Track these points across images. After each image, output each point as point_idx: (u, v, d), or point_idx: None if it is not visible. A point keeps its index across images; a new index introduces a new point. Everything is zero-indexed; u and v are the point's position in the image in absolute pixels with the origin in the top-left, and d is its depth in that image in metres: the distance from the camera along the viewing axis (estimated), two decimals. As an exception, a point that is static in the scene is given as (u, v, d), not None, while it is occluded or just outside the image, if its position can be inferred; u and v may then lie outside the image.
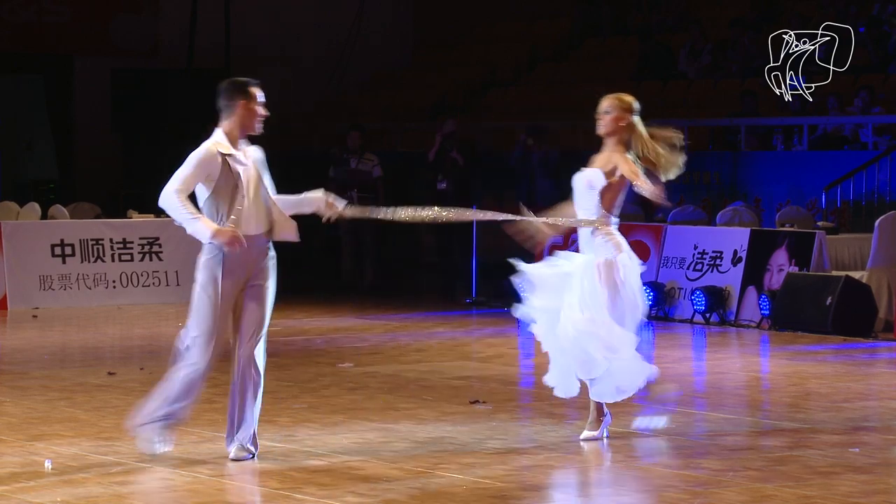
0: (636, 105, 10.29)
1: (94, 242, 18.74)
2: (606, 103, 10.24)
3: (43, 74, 26.93)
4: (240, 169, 9.13)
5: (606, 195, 10.06)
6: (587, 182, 10.07)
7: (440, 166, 20.89)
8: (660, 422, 10.41)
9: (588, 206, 10.08)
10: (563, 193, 20.55)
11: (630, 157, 10.07)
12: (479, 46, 27.70)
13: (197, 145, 9.13)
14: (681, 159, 10.15)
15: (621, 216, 18.82)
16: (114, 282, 18.75)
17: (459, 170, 20.87)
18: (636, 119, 10.22)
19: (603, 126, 10.18)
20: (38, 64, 26.61)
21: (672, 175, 10.12)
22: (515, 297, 18.29)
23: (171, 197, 9.12)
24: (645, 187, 9.93)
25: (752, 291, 16.63)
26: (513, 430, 10.47)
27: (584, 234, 10.12)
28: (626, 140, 10.16)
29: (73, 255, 18.61)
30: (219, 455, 9.44)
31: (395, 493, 8.54)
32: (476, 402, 11.42)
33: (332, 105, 26.26)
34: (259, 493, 8.53)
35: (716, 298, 16.76)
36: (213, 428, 10.37)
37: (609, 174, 10.03)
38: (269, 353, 9.14)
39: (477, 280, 19.21)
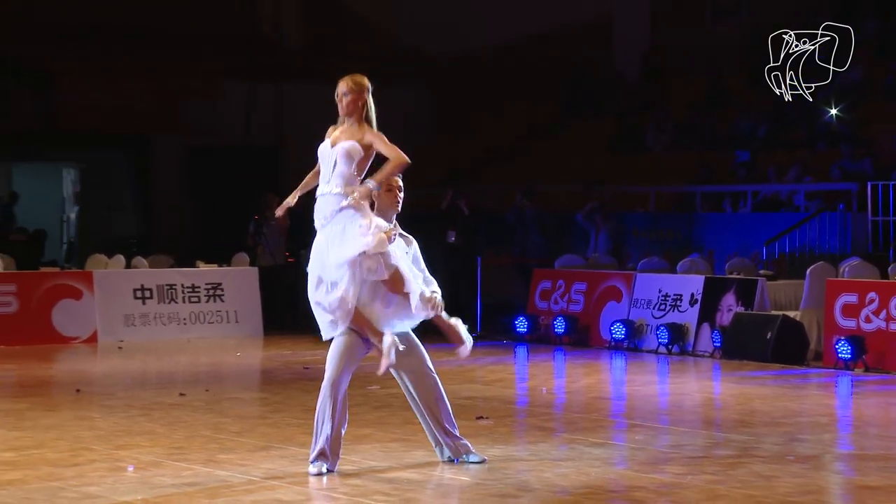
0: (369, 85, 8.93)
1: (168, 287, 18.78)
2: (344, 86, 8.87)
3: (128, 150, 27.05)
4: None
5: (361, 165, 8.81)
6: (344, 152, 8.74)
7: (449, 216, 20.94)
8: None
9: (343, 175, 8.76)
10: (553, 245, 20.67)
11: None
12: (483, 125, 27.79)
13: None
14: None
15: (598, 265, 19.01)
16: (185, 319, 18.77)
17: (465, 219, 20.92)
18: (370, 98, 8.92)
19: (343, 108, 8.87)
20: (125, 142, 26.74)
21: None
22: (513, 332, 18.37)
23: None
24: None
25: (706, 327, 16.62)
26: (511, 441, 10.47)
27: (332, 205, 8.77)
28: (364, 116, 8.89)
29: (151, 297, 18.64)
30: (272, 462, 9.44)
31: (414, 492, 8.54)
32: (481, 417, 11.41)
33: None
34: (304, 493, 8.53)
35: (677, 333, 16.76)
36: (266, 439, 10.37)
37: (365, 147, 8.78)
38: (309, 378, 9.12)
39: (481, 318, 19.22)
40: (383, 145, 8.79)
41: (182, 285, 18.85)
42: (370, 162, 8.84)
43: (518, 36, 28.29)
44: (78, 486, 8.62)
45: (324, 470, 8.87)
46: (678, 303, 17.05)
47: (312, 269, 8.82)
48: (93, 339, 18.02)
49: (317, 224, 8.83)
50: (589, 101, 26.87)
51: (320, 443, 8.87)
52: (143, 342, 18.03)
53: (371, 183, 8.73)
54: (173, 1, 27.31)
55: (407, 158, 8.78)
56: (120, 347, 17.53)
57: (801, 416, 11.90)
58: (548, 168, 24.58)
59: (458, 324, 9.14)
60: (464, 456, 9.20)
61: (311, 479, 8.81)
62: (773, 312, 16.06)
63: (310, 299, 8.87)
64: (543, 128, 27.10)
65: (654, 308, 17.30)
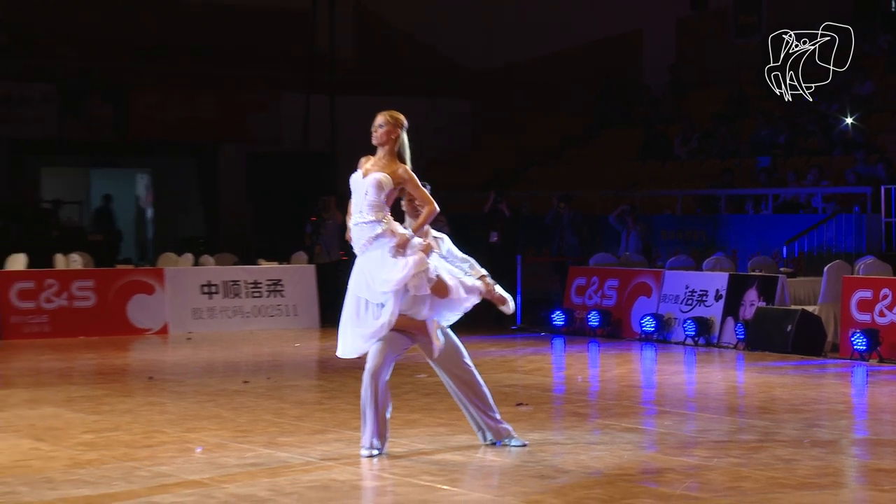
0: (405, 122, 8.83)
1: (233, 283, 18.83)
2: (381, 118, 8.76)
3: (195, 157, 27.17)
4: None
5: (390, 196, 8.70)
6: (376, 182, 8.63)
7: (492, 218, 20.89)
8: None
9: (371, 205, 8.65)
10: (587, 245, 20.63)
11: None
12: (522, 134, 27.74)
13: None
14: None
15: (630, 263, 18.94)
16: (247, 313, 18.81)
17: (506, 220, 20.87)
18: (404, 134, 8.79)
19: (377, 138, 8.73)
20: (193, 149, 26.87)
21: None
22: (550, 325, 18.31)
23: None
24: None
25: (730, 321, 16.50)
26: (549, 426, 10.43)
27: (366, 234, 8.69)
28: (396, 150, 8.75)
29: (217, 292, 18.69)
30: (328, 445, 9.43)
31: (459, 473, 8.51)
32: (521, 404, 11.37)
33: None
34: (357, 474, 8.52)
35: (703, 326, 16.65)
36: (322, 424, 10.37)
37: (397, 182, 8.66)
38: (362, 367, 9.08)
39: (521, 312, 19.16)
40: (416, 189, 8.76)
41: (245, 281, 18.89)
42: (396, 194, 8.80)
43: (553, 51, 28.24)
44: (150, 466, 8.65)
45: (374, 452, 8.86)
46: (704, 298, 16.95)
47: (355, 291, 8.83)
48: (164, 330, 18.10)
49: (356, 250, 8.84)
50: (619, 112, 26.77)
51: (368, 428, 8.87)
52: (209, 334, 18.08)
53: (409, 233, 8.73)
54: (238, 20, 27.41)
55: (437, 207, 8.79)
56: (189, 338, 17.59)
57: (820, 404, 11.80)
58: (581, 174, 24.50)
59: (496, 289, 9.12)
60: (505, 439, 9.17)
61: (363, 461, 8.81)
62: (793, 307, 15.93)
63: (344, 318, 8.86)
64: (577, 136, 27.01)
65: (681, 303, 17.21)
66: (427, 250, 8.73)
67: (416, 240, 8.74)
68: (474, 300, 9.00)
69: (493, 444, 9.18)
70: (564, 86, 27.73)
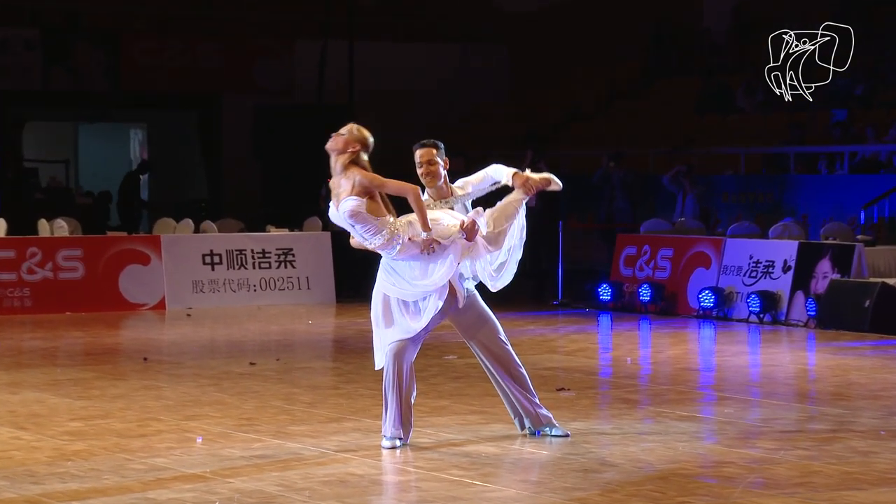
0: (371, 144, 8.89)
1: (238, 252, 18.88)
2: (347, 127, 8.88)
3: (196, 111, 27.21)
4: None
5: (372, 207, 8.73)
6: (349, 216, 8.70)
7: None
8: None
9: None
10: (639, 209, 20.57)
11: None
12: (564, 85, 27.64)
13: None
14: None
15: (686, 230, 18.89)
16: (254, 286, 18.87)
17: None
18: (365, 156, 8.82)
19: (332, 143, 8.80)
20: (193, 102, 26.90)
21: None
22: (596, 300, 18.29)
23: None
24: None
25: (800, 295, 16.46)
26: (593, 414, 10.42)
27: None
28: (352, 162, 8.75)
29: (220, 263, 18.75)
30: (344, 434, 9.45)
31: (493, 467, 8.51)
32: (562, 389, 11.38)
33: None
34: (378, 467, 8.53)
35: (769, 301, 16.60)
36: (338, 411, 10.40)
37: (364, 195, 8.70)
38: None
39: (562, 285, 19.15)
40: (382, 185, 8.73)
41: (252, 250, 18.94)
42: (379, 195, 8.74)
43: (601, -10, 28.11)
44: (145, 458, 8.69)
45: (397, 443, 8.87)
46: (770, 269, 16.89)
47: (384, 290, 8.88)
48: (161, 305, 18.17)
49: (390, 260, 8.92)
50: (675, 59, 26.64)
51: (390, 416, 8.89)
52: (211, 309, 18.15)
53: (423, 234, 8.73)
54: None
55: (413, 186, 8.75)
56: (188, 314, 17.66)
57: (901, 390, 11.76)
58: (632, 129, 24.41)
59: (532, 177, 9.18)
60: (545, 428, 9.17)
61: (385, 453, 8.82)
62: (872, 280, 15.87)
63: (376, 325, 8.93)
64: (627, 87, 26.91)
65: (744, 275, 17.16)
66: (471, 233, 8.76)
67: (452, 227, 8.74)
68: (522, 216, 9.09)
69: (532, 433, 9.18)
70: (613, 30, 27.58)
